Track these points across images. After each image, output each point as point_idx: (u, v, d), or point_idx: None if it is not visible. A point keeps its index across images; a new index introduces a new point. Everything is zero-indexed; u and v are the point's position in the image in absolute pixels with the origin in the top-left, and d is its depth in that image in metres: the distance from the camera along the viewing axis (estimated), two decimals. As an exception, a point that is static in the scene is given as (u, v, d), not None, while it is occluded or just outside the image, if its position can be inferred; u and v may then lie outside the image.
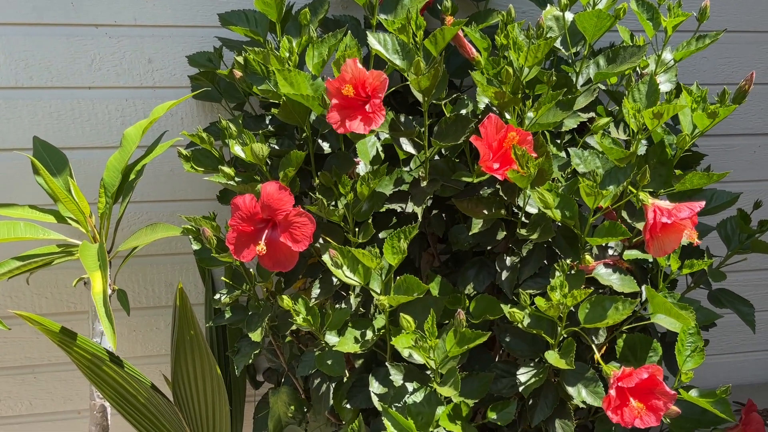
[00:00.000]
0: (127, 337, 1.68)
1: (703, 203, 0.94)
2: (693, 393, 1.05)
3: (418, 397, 1.06)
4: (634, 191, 1.00)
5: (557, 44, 1.24)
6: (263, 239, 1.05)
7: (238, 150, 1.12)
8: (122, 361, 1.26)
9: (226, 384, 1.59)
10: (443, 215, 1.32)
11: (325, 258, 1.07)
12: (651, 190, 1.07)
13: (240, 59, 1.17)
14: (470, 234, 1.15)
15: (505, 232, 1.18)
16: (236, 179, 1.14)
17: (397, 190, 1.21)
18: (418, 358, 1.07)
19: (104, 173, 1.24)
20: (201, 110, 1.54)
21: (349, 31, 1.17)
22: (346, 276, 1.07)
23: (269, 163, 1.22)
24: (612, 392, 0.91)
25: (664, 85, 1.29)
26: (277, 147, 1.22)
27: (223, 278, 1.21)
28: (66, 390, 1.68)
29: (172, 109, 1.53)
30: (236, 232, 1.06)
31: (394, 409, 1.05)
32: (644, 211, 0.97)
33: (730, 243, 1.25)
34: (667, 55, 1.29)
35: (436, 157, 1.24)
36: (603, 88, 1.35)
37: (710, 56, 1.75)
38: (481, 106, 1.22)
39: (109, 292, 1.27)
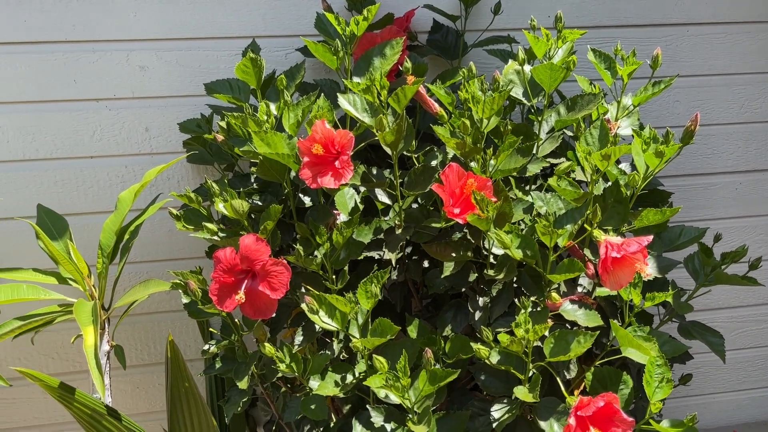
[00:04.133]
0: (131, 393, 1.73)
1: (651, 238, 0.99)
2: (664, 423, 1.08)
3: (396, 436, 1.10)
4: (590, 229, 1.06)
5: (519, 96, 1.32)
6: (243, 289, 1.12)
7: (221, 207, 1.20)
8: (120, 414, 1.31)
9: (225, 436, 1.62)
10: (423, 261, 1.38)
11: (303, 305, 1.13)
12: (610, 227, 1.12)
13: (222, 124, 1.27)
14: (443, 277, 1.21)
15: (476, 274, 1.23)
16: (220, 234, 1.22)
17: (375, 238, 1.28)
18: (395, 399, 1.11)
19: (101, 235, 1.33)
20: (195, 173, 1.64)
21: (323, 94, 1.27)
22: (324, 322, 1.13)
23: (253, 217, 1.30)
24: (571, 421, 0.94)
25: (626, 129, 1.36)
26: (260, 203, 1.30)
27: (210, 329, 1.27)
28: (72, 448, 1.73)
29: (169, 173, 1.63)
30: (218, 284, 1.13)
31: (373, 449, 1.09)
32: (598, 247, 1.03)
33: (698, 276, 1.29)
34: (628, 101, 1.37)
35: (414, 206, 1.31)
36: (570, 134, 1.43)
37: (683, 99, 1.82)
38: (450, 156, 1.29)
39: (107, 348, 1.34)
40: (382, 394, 1.12)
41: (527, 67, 1.31)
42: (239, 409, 1.27)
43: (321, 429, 1.27)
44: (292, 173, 1.28)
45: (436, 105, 1.27)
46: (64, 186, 1.58)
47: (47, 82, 1.53)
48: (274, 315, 1.18)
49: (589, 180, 1.23)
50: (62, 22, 1.51)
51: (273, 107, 1.29)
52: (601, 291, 1.24)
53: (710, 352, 1.35)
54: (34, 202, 1.48)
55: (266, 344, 1.15)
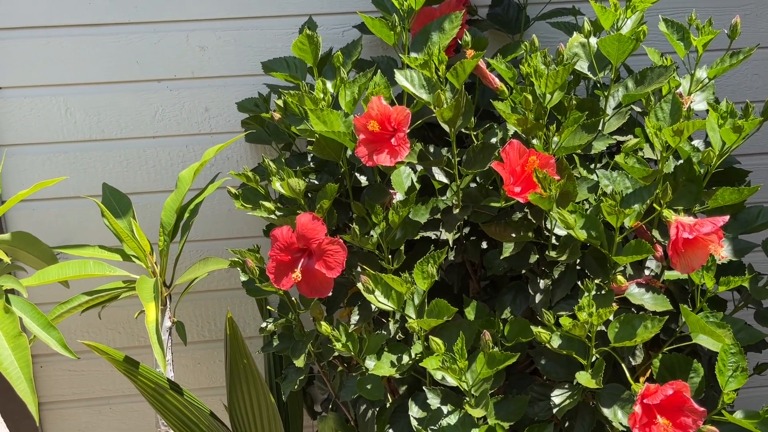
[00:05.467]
0: (192, 369, 1.78)
1: (726, 218, 0.93)
2: (738, 415, 1.02)
3: (453, 419, 1.08)
4: (659, 208, 1.00)
5: (584, 70, 1.26)
6: (299, 267, 1.11)
7: (278, 186, 1.20)
8: (182, 389, 1.34)
9: (283, 414, 1.64)
10: (481, 242, 1.34)
11: (359, 285, 1.12)
12: (681, 207, 1.06)
13: (279, 102, 1.26)
14: (502, 258, 1.17)
15: (537, 256, 1.19)
16: (277, 213, 1.22)
17: (432, 218, 1.25)
18: (452, 381, 1.09)
19: (162, 213, 1.35)
20: (254, 152, 1.65)
21: (379, 70, 1.24)
22: (379, 301, 1.12)
23: (309, 196, 1.29)
24: (637, 409, 0.90)
25: (700, 104, 1.28)
26: (316, 182, 1.30)
27: (268, 307, 1.28)
28: (138, 420, 1.79)
29: (228, 153, 1.64)
30: (275, 262, 1.13)
31: (429, 431, 1.08)
32: (668, 227, 0.97)
33: (777, 260, 1.21)
34: (702, 74, 1.29)
35: (473, 185, 1.28)
36: (638, 110, 1.36)
37: (762, 72, 1.71)
38: (511, 133, 1.25)
39: (169, 324, 1.37)
40: (438, 376, 1.10)
41: (593, 40, 1.24)
42: (296, 386, 1.28)
43: (377, 409, 1.27)
44: (348, 152, 1.27)
45: (497, 80, 1.23)
46: (127, 165, 1.62)
47: (111, 64, 1.56)
48: (330, 294, 1.18)
49: (658, 158, 1.17)
50: (125, 4, 1.53)
51: (329, 85, 1.27)
52: (670, 274, 1.18)
53: (789, 340, 1.28)
54: (99, 181, 1.52)
55: (323, 323, 1.15)
